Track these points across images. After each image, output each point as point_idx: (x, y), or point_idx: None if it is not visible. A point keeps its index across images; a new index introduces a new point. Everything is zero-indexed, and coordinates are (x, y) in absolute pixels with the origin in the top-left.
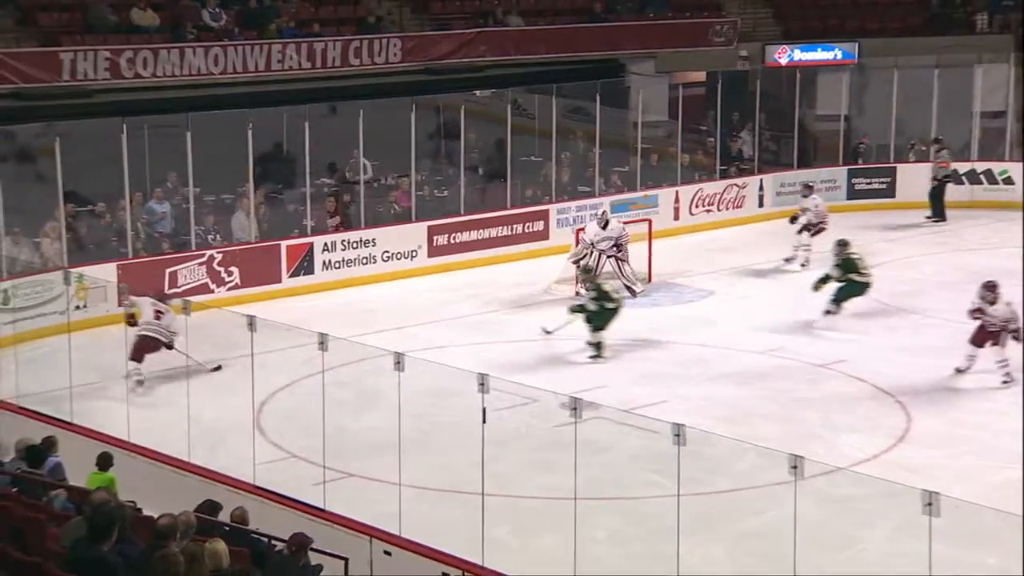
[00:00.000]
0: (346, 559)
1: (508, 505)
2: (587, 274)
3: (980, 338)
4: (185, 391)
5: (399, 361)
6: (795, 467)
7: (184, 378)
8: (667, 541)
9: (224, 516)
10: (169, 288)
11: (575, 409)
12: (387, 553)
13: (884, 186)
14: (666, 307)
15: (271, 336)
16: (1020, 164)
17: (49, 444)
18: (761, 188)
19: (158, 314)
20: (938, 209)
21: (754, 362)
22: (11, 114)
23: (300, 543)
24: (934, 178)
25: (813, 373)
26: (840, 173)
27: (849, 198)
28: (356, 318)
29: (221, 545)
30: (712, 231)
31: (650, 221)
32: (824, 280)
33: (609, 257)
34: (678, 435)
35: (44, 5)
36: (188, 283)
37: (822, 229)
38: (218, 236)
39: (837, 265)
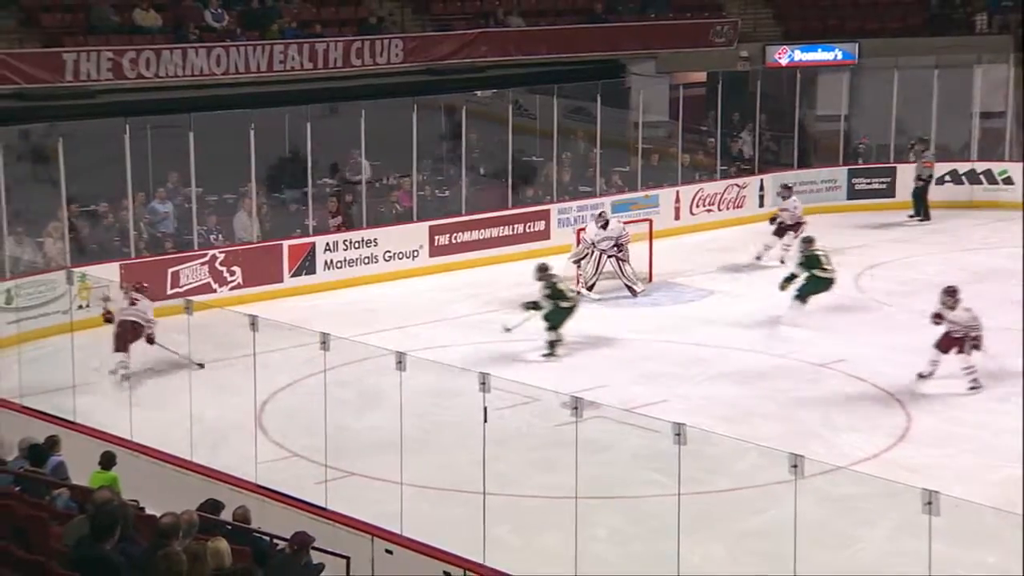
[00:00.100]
0: (348, 558)
1: (509, 504)
2: (543, 272)
3: (945, 344)
4: (187, 390)
5: (400, 360)
6: (795, 466)
7: (186, 377)
8: (668, 540)
9: (226, 515)
10: (171, 288)
11: (576, 408)
12: (388, 552)
13: (884, 186)
14: (666, 307)
15: (273, 336)
16: (1019, 164)
17: (52, 443)
18: (761, 188)
19: (133, 301)
20: (920, 208)
21: (754, 362)
22: (14, 114)
23: (302, 542)
24: (918, 177)
25: (813, 373)
26: (840, 173)
27: (849, 198)
28: (358, 318)
29: (223, 544)
30: (713, 231)
31: (651, 221)
32: (790, 279)
33: (610, 257)
34: (678, 434)
35: (47, 6)
36: (190, 283)
37: (800, 229)
38: (220, 236)
39: (801, 263)
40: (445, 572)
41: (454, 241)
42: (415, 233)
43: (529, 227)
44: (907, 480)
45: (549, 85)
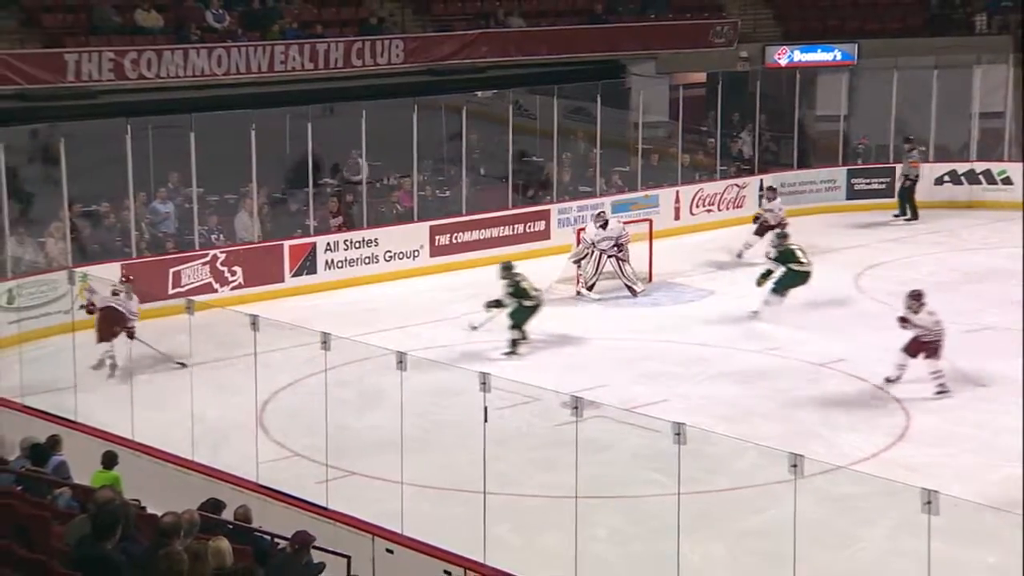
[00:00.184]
0: (348, 557)
1: (509, 503)
2: (506, 271)
3: (913, 348)
4: (188, 390)
5: (401, 360)
6: (795, 466)
7: (187, 377)
8: (668, 539)
9: (227, 514)
10: (173, 288)
11: (576, 408)
12: (389, 551)
13: (883, 186)
14: (666, 306)
15: (274, 335)
16: (1019, 164)
17: (53, 443)
18: (761, 188)
19: (115, 292)
20: (904, 208)
21: (754, 361)
22: (16, 115)
23: (303, 541)
24: (905, 177)
25: (813, 372)
26: (840, 173)
27: (848, 198)
28: (358, 317)
29: (224, 543)
30: (712, 231)
31: (651, 221)
32: (766, 274)
33: (610, 257)
34: (678, 434)
35: (48, 6)
36: (192, 283)
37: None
38: (221, 236)
39: (776, 257)
40: (445, 571)
41: (455, 241)
42: (416, 233)
43: (529, 227)
44: (906, 479)
45: (549, 85)
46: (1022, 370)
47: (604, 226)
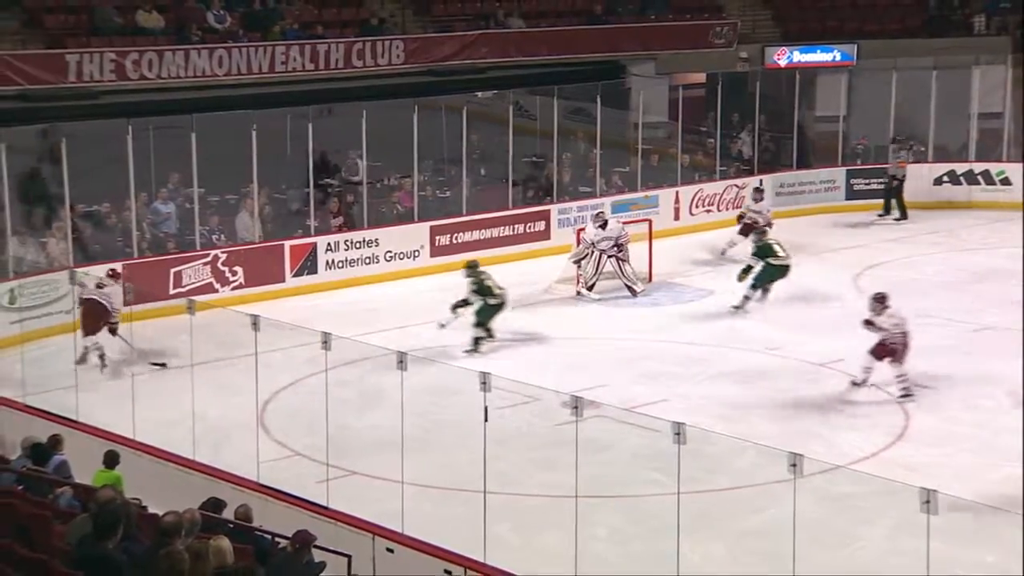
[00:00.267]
0: (349, 556)
1: (510, 503)
2: (471, 269)
3: (879, 352)
4: (189, 390)
5: (402, 360)
6: (794, 465)
7: (188, 377)
8: (667, 539)
9: (228, 514)
10: (174, 288)
11: (576, 408)
12: (389, 550)
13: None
14: (666, 306)
15: (275, 335)
16: (1018, 165)
17: (54, 442)
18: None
19: (99, 286)
20: (889, 207)
21: (754, 361)
22: (17, 115)
23: (303, 540)
24: (893, 177)
25: (812, 372)
26: (839, 173)
27: (848, 198)
28: (359, 317)
29: (225, 542)
30: (712, 231)
31: (650, 221)
32: (747, 270)
33: (610, 257)
34: (678, 433)
35: (50, 7)
36: (193, 283)
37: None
38: (222, 236)
39: (755, 253)
40: (446, 571)
41: (455, 241)
42: (416, 233)
43: (529, 227)
44: (906, 479)
45: (549, 86)
46: (1022, 370)
47: (603, 226)
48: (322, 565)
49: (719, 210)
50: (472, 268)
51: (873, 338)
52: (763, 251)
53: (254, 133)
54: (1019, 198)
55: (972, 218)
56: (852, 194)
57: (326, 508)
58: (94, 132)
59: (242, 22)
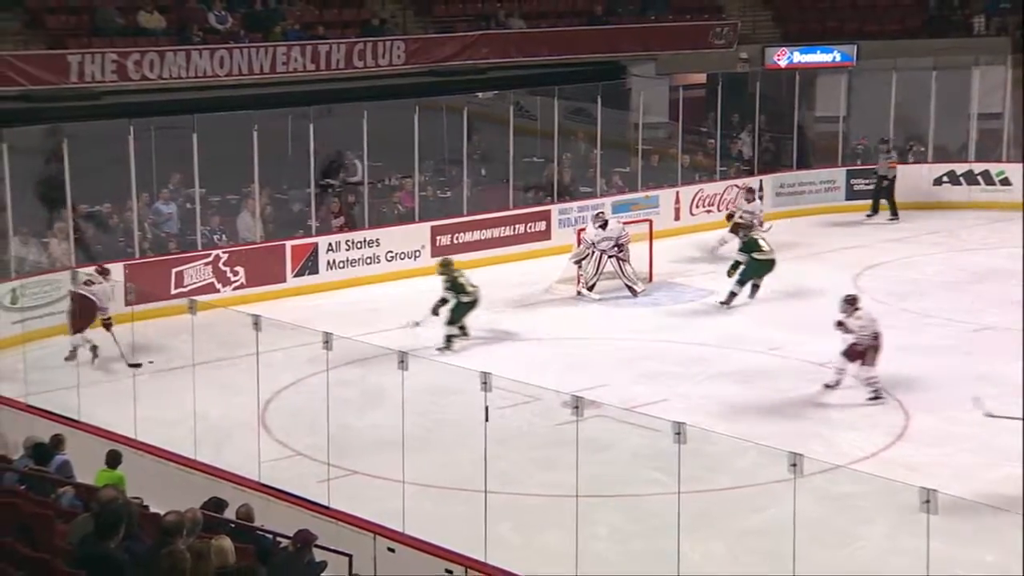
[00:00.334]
0: (350, 556)
1: (510, 502)
2: (445, 267)
3: (851, 353)
4: (191, 389)
5: (403, 360)
6: (794, 465)
7: (190, 377)
8: (668, 538)
9: (230, 513)
10: (175, 288)
11: (577, 407)
12: (391, 550)
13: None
14: (667, 306)
15: (276, 335)
16: (1018, 165)
17: (56, 442)
18: (761, 189)
19: (88, 283)
20: (876, 207)
21: (754, 361)
22: (19, 116)
23: (305, 540)
24: (883, 177)
25: (813, 372)
26: (839, 174)
27: (848, 199)
28: (360, 317)
29: (227, 542)
30: (712, 231)
31: (651, 221)
32: (735, 266)
33: (610, 257)
34: (679, 433)
35: (52, 8)
36: (194, 283)
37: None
38: (224, 236)
39: (741, 248)
40: (447, 570)
41: (456, 241)
42: (417, 233)
43: (530, 227)
44: (905, 478)
45: (550, 86)
46: (1022, 370)
47: (603, 226)
48: (323, 565)
49: (719, 210)
50: (446, 265)
51: (846, 340)
52: (749, 246)
53: (255, 133)
54: (1019, 198)
55: (972, 218)
56: (852, 194)
57: (327, 508)
58: (96, 132)
59: (243, 23)
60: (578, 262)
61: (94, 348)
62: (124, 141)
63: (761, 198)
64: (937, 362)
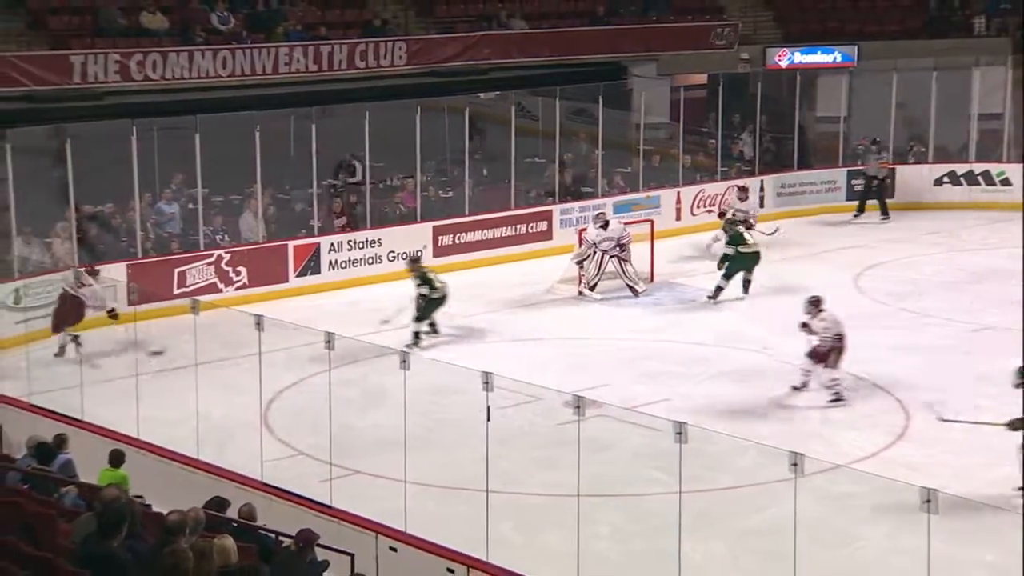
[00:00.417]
0: (352, 555)
1: (512, 502)
2: (414, 264)
3: (816, 355)
4: (194, 389)
5: (404, 360)
6: (795, 464)
7: (192, 376)
8: (669, 538)
9: (232, 512)
10: (178, 288)
11: (578, 407)
12: (393, 549)
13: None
14: (668, 306)
15: (278, 335)
16: (1018, 165)
17: (59, 441)
18: (761, 189)
19: (81, 283)
20: (863, 207)
21: (755, 361)
22: (22, 116)
23: (307, 539)
24: (874, 177)
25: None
26: (839, 174)
27: (848, 199)
28: (362, 317)
29: (229, 541)
30: (713, 231)
31: (652, 221)
32: (724, 259)
33: (612, 257)
34: (680, 433)
35: (54, 8)
36: (197, 283)
37: (750, 227)
38: (226, 236)
39: (727, 242)
40: (448, 569)
41: (458, 241)
42: (419, 233)
43: (532, 228)
44: (906, 478)
45: (551, 87)
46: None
47: (604, 227)
48: (325, 564)
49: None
50: (415, 262)
51: (811, 341)
52: (734, 240)
53: (257, 134)
54: (1019, 198)
55: (972, 218)
56: (853, 195)
57: (329, 507)
58: (98, 133)
59: (246, 23)
60: (580, 262)
61: (75, 338)
62: (127, 141)
63: (761, 198)
64: (937, 361)
